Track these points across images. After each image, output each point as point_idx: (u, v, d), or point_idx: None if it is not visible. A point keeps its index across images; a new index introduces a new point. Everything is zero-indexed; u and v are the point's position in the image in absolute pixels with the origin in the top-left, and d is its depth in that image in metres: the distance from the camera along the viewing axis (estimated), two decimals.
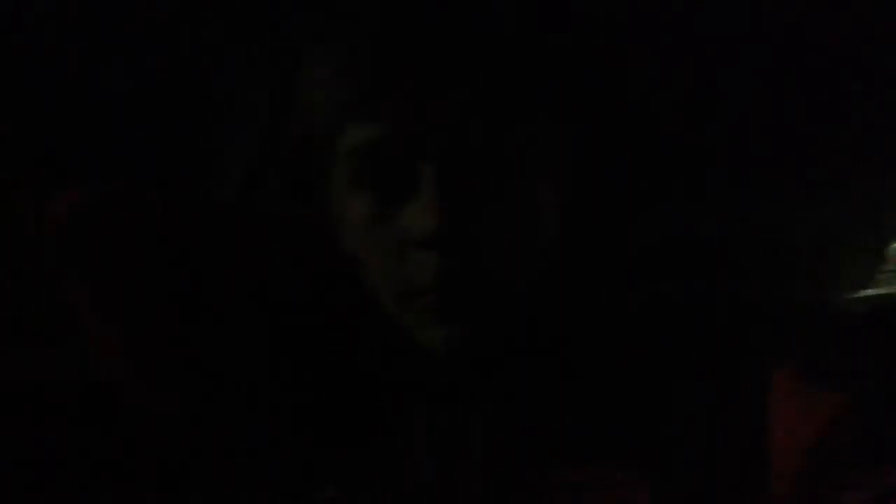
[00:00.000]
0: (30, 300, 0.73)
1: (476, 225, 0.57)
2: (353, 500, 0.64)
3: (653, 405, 0.59)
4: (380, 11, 0.58)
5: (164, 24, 0.81)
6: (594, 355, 0.62)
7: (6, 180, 0.74)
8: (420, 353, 0.61)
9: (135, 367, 0.69)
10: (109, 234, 0.66)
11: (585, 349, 0.63)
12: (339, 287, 0.66)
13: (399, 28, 0.57)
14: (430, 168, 0.56)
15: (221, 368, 0.67)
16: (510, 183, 0.58)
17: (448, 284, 0.57)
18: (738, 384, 0.57)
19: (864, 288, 0.80)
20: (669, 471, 0.57)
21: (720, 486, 0.55)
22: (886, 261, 0.83)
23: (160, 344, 0.67)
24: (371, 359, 0.66)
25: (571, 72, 0.61)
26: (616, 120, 0.67)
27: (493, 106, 0.57)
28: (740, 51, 0.74)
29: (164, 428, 0.67)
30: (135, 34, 0.82)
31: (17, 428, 0.70)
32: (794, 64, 0.75)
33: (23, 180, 0.77)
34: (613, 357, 0.62)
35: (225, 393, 0.67)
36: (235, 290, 0.68)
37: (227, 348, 0.68)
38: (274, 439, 0.66)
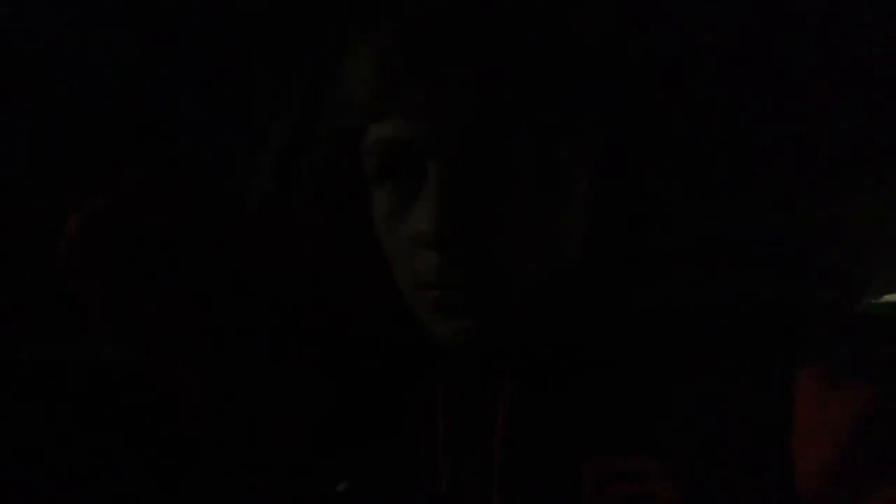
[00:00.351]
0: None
1: (481, 226, 0.58)
2: (370, 495, 0.65)
3: (676, 398, 0.59)
4: (403, 12, 0.60)
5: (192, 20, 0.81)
6: (618, 350, 0.63)
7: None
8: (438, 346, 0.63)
9: (155, 360, 0.70)
10: (125, 242, 0.67)
11: (610, 343, 0.63)
12: (360, 287, 0.68)
13: (418, 28, 0.58)
14: (437, 167, 0.57)
15: (244, 367, 0.69)
16: (521, 187, 0.59)
17: (448, 283, 0.59)
18: (762, 381, 0.57)
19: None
20: (692, 465, 0.56)
21: (742, 482, 0.55)
22: None
23: (180, 343, 0.69)
24: (390, 353, 0.68)
25: (595, 77, 0.62)
26: (647, 118, 0.68)
27: (504, 111, 0.58)
28: (788, 51, 0.75)
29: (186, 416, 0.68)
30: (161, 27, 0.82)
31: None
32: (839, 62, 0.75)
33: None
34: (637, 351, 0.62)
35: (247, 388, 0.69)
36: (255, 290, 0.69)
37: (248, 349, 0.70)
38: (295, 432, 0.68)
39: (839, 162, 0.81)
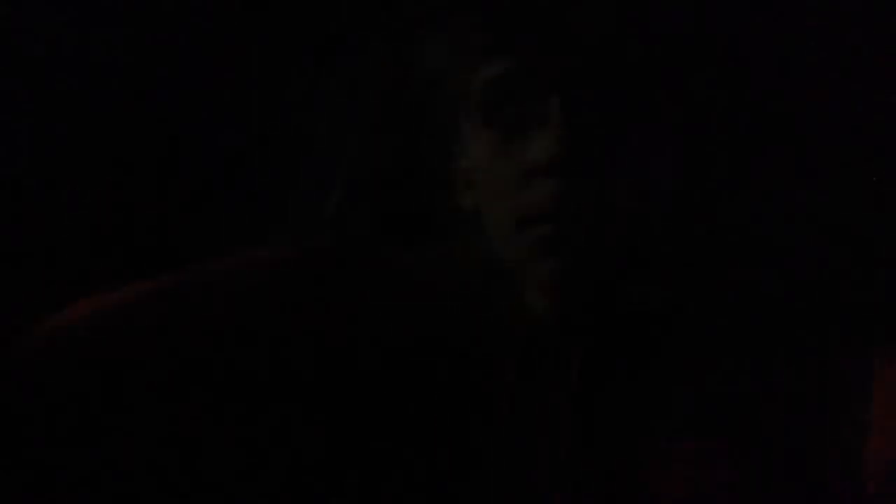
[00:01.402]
0: None
1: (599, 158, 0.60)
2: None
3: (746, 383, 0.60)
4: None
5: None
6: (691, 332, 0.64)
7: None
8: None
9: None
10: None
11: (683, 325, 0.64)
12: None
13: None
14: (557, 100, 0.60)
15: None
16: (631, 126, 0.62)
17: (566, 210, 0.60)
18: (836, 370, 0.58)
19: None
20: (759, 453, 0.57)
21: (808, 474, 0.55)
22: None
23: None
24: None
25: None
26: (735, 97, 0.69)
27: (619, 52, 0.61)
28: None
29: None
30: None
31: None
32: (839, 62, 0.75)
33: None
34: (709, 335, 0.63)
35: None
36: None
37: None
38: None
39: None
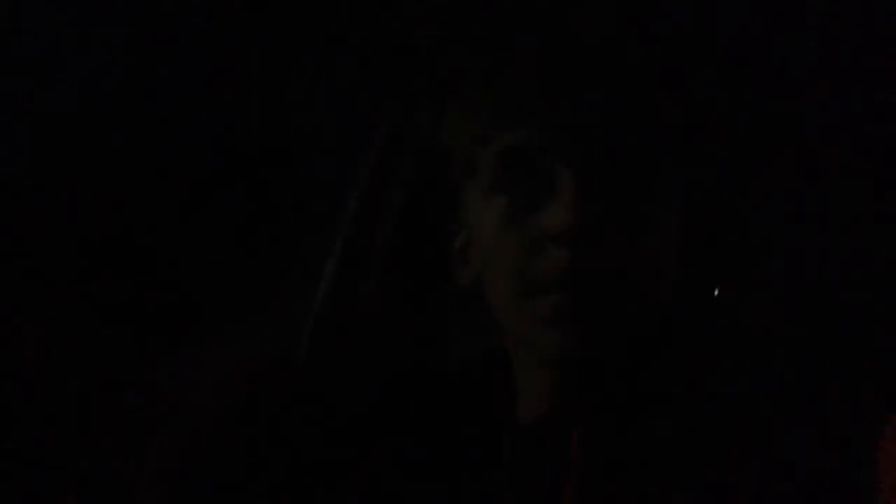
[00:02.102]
0: None
1: (609, 226, 0.59)
2: None
3: (754, 443, 0.58)
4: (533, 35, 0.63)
5: None
6: (695, 392, 0.63)
7: None
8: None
9: None
10: None
11: (688, 384, 0.63)
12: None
13: (550, 47, 0.61)
14: (569, 169, 0.60)
15: None
16: (644, 190, 0.61)
17: (578, 280, 0.59)
18: (846, 419, 0.56)
19: None
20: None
21: None
22: None
23: None
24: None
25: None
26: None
27: (631, 118, 0.61)
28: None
29: None
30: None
31: None
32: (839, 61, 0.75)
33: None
34: (715, 394, 0.62)
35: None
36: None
37: None
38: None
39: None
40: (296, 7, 0.83)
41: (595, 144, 0.60)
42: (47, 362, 0.85)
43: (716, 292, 0.68)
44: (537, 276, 0.60)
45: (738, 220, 0.70)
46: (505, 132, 0.62)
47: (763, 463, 0.57)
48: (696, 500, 0.58)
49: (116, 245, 0.90)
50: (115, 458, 0.74)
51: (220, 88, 0.89)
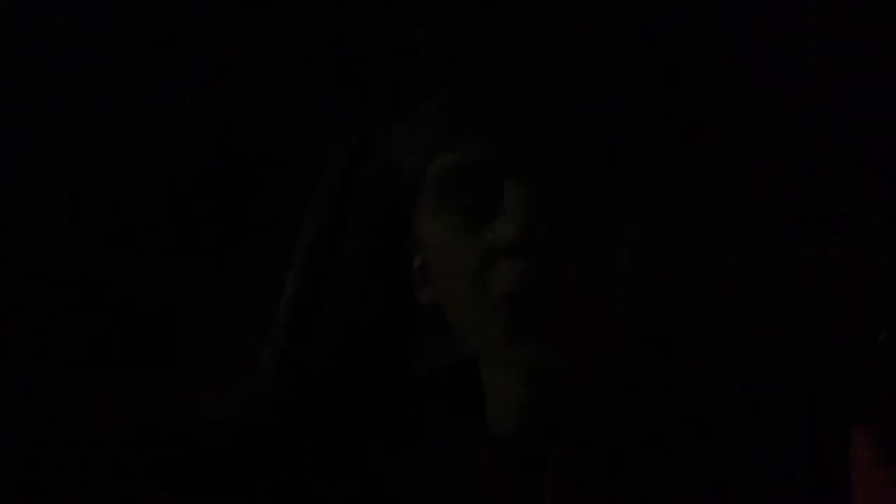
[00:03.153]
0: None
1: (563, 237, 0.58)
2: None
3: (730, 470, 0.58)
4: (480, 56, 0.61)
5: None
6: (675, 419, 0.62)
7: None
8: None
9: None
10: None
11: (667, 413, 0.62)
12: None
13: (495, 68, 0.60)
14: (514, 183, 0.58)
15: None
16: (602, 200, 0.59)
17: (531, 292, 0.58)
18: (818, 441, 0.56)
19: None
20: None
21: None
22: None
23: None
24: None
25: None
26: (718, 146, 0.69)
27: (580, 138, 0.59)
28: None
29: None
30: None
31: None
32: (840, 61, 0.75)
33: None
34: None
35: None
36: None
37: None
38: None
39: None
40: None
41: (542, 157, 0.59)
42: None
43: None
44: (491, 293, 0.59)
45: (732, 220, 0.70)
46: (448, 149, 0.61)
47: (739, 479, 0.57)
48: None
49: (116, 245, 0.90)
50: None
51: (220, 89, 0.89)
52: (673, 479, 0.58)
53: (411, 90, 0.65)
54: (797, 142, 0.77)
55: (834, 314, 0.74)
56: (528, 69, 0.60)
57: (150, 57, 0.85)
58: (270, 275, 0.84)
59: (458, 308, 0.62)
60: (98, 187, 0.90)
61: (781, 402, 0.59)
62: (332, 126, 0.82)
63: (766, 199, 0.76)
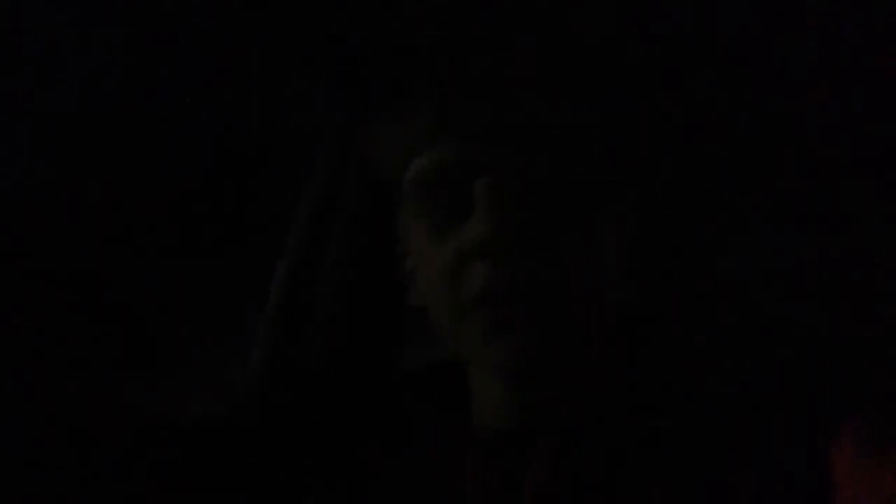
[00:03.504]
0: None
1: (536, 235, 0.58)
2: None
3: (713, 469, 0.58)
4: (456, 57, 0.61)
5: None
6: (655, 419, 0.62)
7: None
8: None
9: None
10: None
11: (647, 411, 0.62)
12: None
13: (467, 65, 0.60)
14: (484, 186, 0.58)
15: None
16: (567, 204, 0.60)
17: (503, 291, 0.58)
18: (803, 438, 0.56)
19: None
20: None
21: None
22: None
23: None
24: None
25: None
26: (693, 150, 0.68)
27: (552, 138, 0.59)
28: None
29: None
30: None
31: None
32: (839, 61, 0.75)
33: None
34: (676, 420, 0.61)
35: None
36: None
37: None
38: None
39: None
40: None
41: (516, 156, 0.59)
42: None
43: None
44: (464, 293, 0.59)
45: (732, 220, 0.70)
46: (426, 150, 0.61)
47: (739, 479, 0.57)
48: None
49: (115, 245, 0.90)
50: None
51: (220, 89, 0.89)
52: (654, 478, 0.58)
53: (411, 90, 0.65)
54: (797, 142, 0.77)
55: (833, 314, 0.74)
56: (529, 69, 0.60)
57: (150, 57, 0.85)
58: (269, 275, 0.84)
59: (437, 309, 0.63)
60: (97, 187, 0.90)
61: (781, 402, 0.59)
62: (332, 126, 0.82)
63: (765, 199, 0.76)
